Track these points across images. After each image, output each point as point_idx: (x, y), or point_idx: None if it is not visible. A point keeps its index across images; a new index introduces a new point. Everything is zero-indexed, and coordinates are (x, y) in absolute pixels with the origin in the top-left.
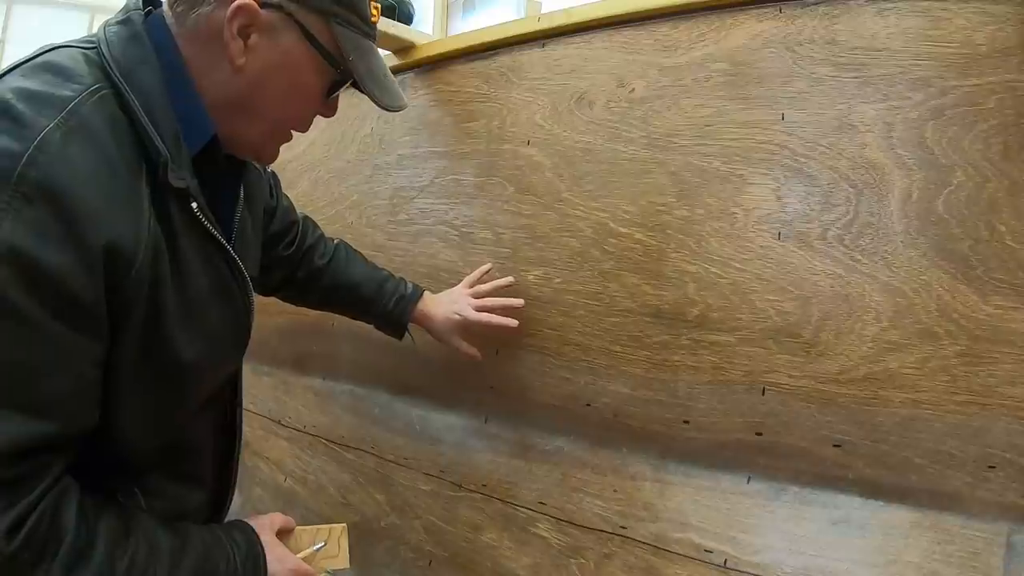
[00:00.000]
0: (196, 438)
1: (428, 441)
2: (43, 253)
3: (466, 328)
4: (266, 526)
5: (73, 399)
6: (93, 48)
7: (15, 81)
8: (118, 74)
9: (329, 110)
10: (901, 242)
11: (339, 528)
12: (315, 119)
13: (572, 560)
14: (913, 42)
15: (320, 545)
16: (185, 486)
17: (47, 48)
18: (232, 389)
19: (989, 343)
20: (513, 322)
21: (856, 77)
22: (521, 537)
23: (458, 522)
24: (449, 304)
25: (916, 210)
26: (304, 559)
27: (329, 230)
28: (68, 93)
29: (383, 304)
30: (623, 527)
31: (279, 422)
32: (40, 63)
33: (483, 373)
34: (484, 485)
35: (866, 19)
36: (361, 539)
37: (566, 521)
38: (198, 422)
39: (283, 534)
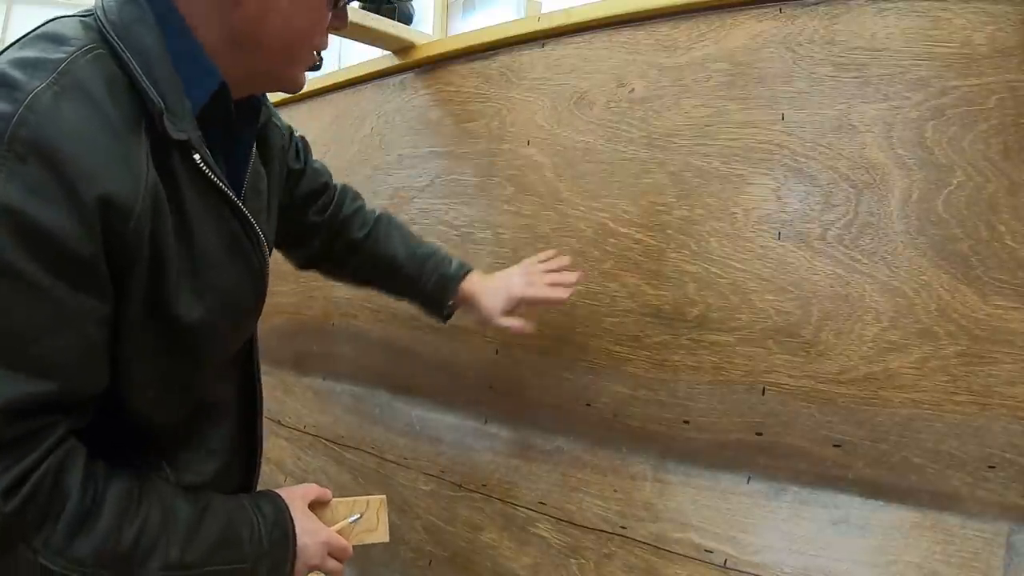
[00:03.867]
0: (218, 406)
1: (428, 441)
2: (38, 210)
3: (512, 305)
4: (298, 497)
5: (76, 359)
6: (91, 15)
7: (13, 53)
8: (113, 34)
9: (340, 20)
10: (901, 242)
11: (377, 500)
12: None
13: (572, 560)
14: (913, 42)
15: (356, 517)
16: (211, 456)
17: (51, 19)
18: (248, 353)
19: (989, 343)
20: (564, 295)
21: (856, 77)
22: (521, 537)
23: (458, 522)
24: (497, 281)
25: (916, 210)
26: (339, 531)
27: None
28: (60, 55)
29: (422, 284)
30: (623, 527)
31: (279, 422)
32: (38, 34)
33: (483, 373)
34: (484, 485)
35: (866, 19)
36: None
37: (566, 521)
38: (218, 389)
39: (318, 506)
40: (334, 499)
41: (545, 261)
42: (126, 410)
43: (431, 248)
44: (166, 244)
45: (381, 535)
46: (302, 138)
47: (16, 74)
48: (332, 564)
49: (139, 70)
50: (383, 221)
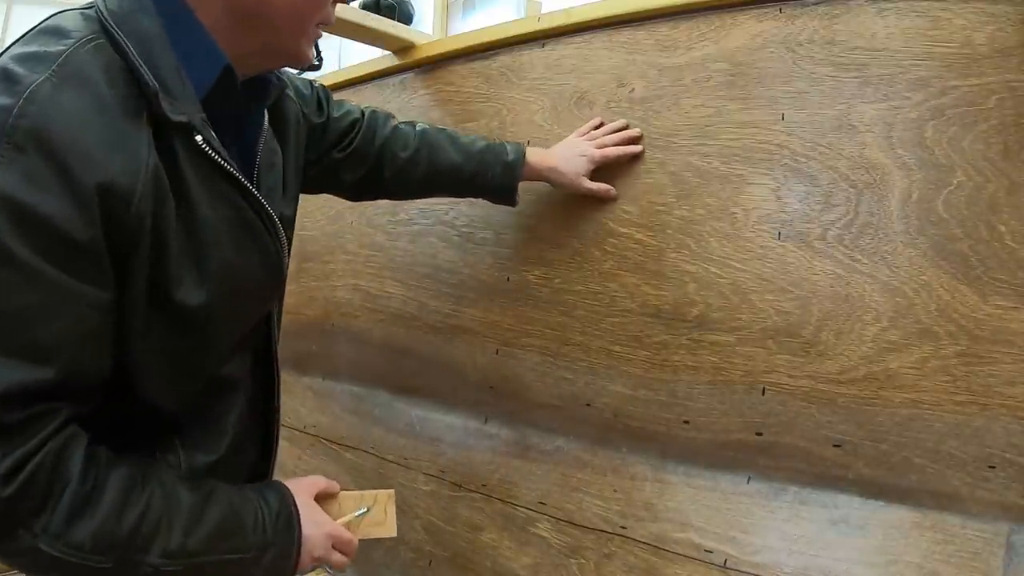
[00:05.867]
0: (230, 384)
1: (428, 441)
2: (35, 198)
3: (592, 166)
4: (304, 488)
5: (74, 346)
6: (91, 8)
7: (16, 49)
8: (113, 23)
9: None
10: (901, 242)
11: (385, 494)
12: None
13: (572, 560)
14: (913, 42)
15: (363, 511)
16: (222, 434)
17: (53, 14)
18: (266, 333)
19: (989, 343)
20: (637, 148)
21: (856, 77)
22: (521, 537)
23: (458, 522)
24: (567, 150)
25: (916, 210)
26: (346, 525)
27: (329, 230)
28: (60, 48)
29: (489, 177)
30: (623, 527)
31: None
32: (40, 29)
33: (483, 373)
34: (484, 485)
35: (866, 19)
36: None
37: (566, 521)
38: (231, 367)
39: (325, 499)
40: (342, 492)
41: (597, 127)
42: (135, 393)
43: (481, 142)
44: (168, 228)
45: (389, 529)
46: (323, 87)
47: (17, 69)
48: (337, 557)
49: (136, 55)
50: (428, 133)
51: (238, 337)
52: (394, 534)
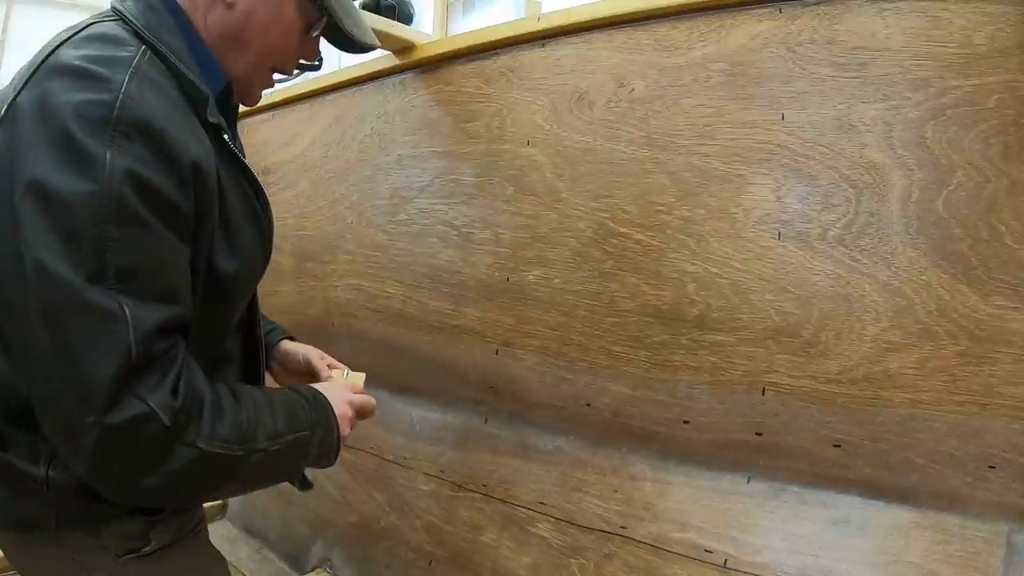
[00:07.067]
0: (226, 357)
1: (428, 441)
2: (150, 173)
3: (310, 364)
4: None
5: (185, 291)
6: (118, 20)
7: (74, 51)
8: (151, 37)
9: (310, 52)
10: (901, 242)
11: (341, 370)
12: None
13: (572, 560)
14: (913, 42)
15: (346, 372)
16: None
17: (87, 23)
18: (251, 312)
19: (989, 343)
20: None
21: (856, 77)
22: (521, 537)
23: (458, 522)
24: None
25: (916, 210)
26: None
27: (329, 231)
28: (127, 54)
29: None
30: (623, 527)
31: None
32: (89, 35)
33: (483, 373)
34: (484, 485)
35: (866, 19)
36: (361, 539)
37: (566, 521)
38: (228, 342)
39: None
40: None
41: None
42: None
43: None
44: (216, 209)
45: (359, 376)
46: None
47: (99, 69)
48: (358, 398)
49: (182, 67)
50: None
51: (240, 311)
52: (363, 374)
